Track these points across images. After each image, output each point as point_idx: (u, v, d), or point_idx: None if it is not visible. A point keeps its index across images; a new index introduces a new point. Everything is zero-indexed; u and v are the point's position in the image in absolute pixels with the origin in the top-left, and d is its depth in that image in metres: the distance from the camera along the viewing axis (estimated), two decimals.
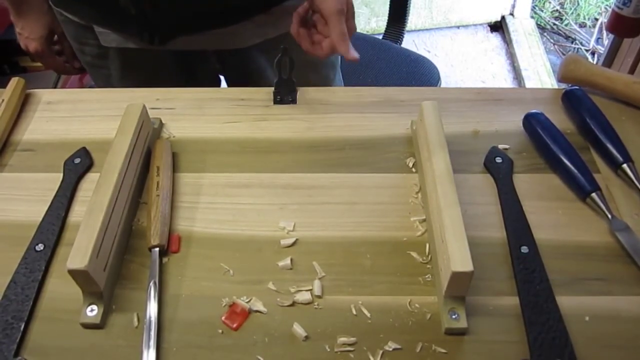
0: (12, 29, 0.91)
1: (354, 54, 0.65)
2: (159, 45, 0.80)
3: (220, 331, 0.51)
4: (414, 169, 0.65)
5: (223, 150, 0.67)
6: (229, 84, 0.98)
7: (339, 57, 0.97)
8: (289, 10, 0.71)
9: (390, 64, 1.36)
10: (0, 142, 0.68)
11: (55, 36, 0.92)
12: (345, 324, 0.51)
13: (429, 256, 0.56)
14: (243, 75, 0.90)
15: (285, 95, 0.73)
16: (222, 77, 0.99)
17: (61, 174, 0.64)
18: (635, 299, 0.52)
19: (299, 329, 0.50)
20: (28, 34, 0.89)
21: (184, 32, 0.80)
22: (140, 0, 0.73)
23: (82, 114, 0.73)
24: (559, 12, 2.56)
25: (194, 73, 0.92)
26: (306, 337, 0.50)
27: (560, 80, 0.74)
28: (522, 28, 2.42)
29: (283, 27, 0.79)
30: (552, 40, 2.47)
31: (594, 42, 2.36)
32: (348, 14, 0.66)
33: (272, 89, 0.73)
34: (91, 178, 0.64)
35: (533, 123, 0.66)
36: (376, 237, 0.58)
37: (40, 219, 0.59)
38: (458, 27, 2.51)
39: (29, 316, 0.51)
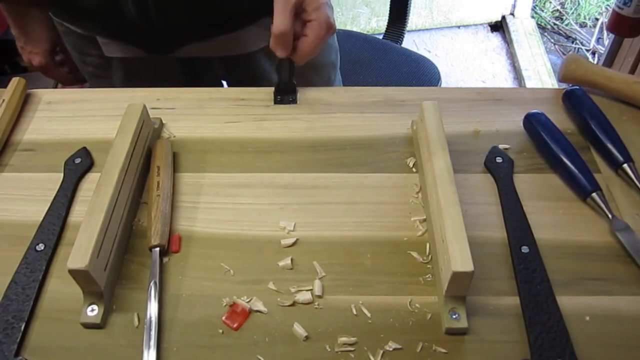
0: None
1: (278, 53, 0.65)
2: (165, 53, 0.80)
3: (220, 331, 0.51)
4: (414, 169, 0.65)
5: (223, 150, 0.67)
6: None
7: (339, 57, 0.97)
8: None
9: (391, 63, 1.36)
10: (1, 142, 0.68)
11: (58, 48, 0.91)
12: (345, 324, 0.51)
13: (430, 256, 0.56)
14: (247, 80, 0.90)
15: (285, 96, 0.73)
16: (224, 83, 0.99)
17: (62, 174, 0.64)
18: (636, 299, 0.52)
19: (299, 329, 0.50)
20: (31, 48, 0.88)
21: (190, 40, 0.80)
22: (147, 12, 0.73)
23: (83, 114, 0.73)
24: (560, 12, 2.56)
25: (198, 80, 0.91)
26: (306, 337, 0.50)
27: (560, 80, 0.74)
28: (523, 28, 2.42)
29: None
30: (552, 40, 2.47)
31: (595, 42, 2.36)
32: (304, 5, 0.64)
33: (273, 88, 0.74)
34: (92, 178, 0.64)
35: (534, 123, 0.66)
36: (376, 237, 0.58)
37: (41, 218, 0.59)
38: (458, 27, 2.51)
39: (29, 316, 0.51)
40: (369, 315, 0.51)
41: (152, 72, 0.86)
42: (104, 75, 0.88)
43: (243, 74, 0.90)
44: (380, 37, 1.46)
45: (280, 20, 0.63)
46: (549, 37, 2.49)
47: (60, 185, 0.63)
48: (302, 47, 0.66)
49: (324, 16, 0.65)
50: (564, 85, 0.75)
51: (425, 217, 0.59)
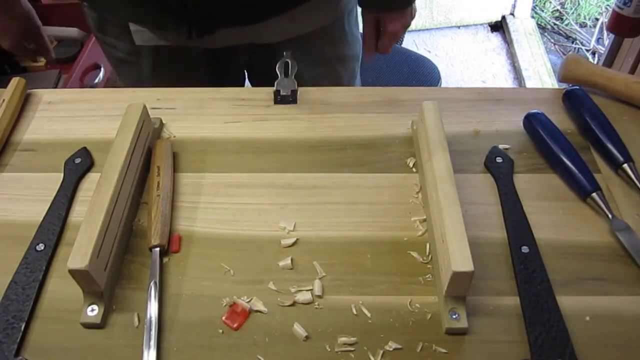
0: None
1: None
2: (196, 38, 0.79)
3: (220, 331, 0.51)
4: (414, 169, 0.65)
5: (224, 150, 0.67)
6: (254, 80, 0.97)
7: (361, 50, 0.97)
8: (322, 7, 0.71)
9: (391, 63, 1.36)
10: (1, 142, 0.68)
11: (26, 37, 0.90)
12: (345, 324, 0.51)
13: (430, 256, 0.56)
14: (270, 72, 0.90)
15: (285, 95, 0.73)
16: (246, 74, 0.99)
17: (62, 174, 0.64)
18: (636, 299, 0.52)
19: (299, 329, 0.50)
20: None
21: (222, 25, 0.79)
22: None
23: (83, 114, 0.73)
24: (560, 12, 2.56)
25: (224, 71, 0.91)
26: (307, 337, 0.50)
27: (560, 80, 0.74)
28: (523, 28, 2.42)
29: (316, 22, 0.81)
30: (552, 40, 2.47)
31: (595, 42, 2.36)
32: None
33: (273, 88, 0.74)
34: (92, 178, 0.64)
35: (534, 123, 0.66)
36: (377, 237, 0.58)
37: (41, 218, 0.59)
38: (459, 27, 2.52)
39: (29, 316, 0.51)
40: (369, 315, 0.51)
41: (179, 61, 0.85)
42: (133, 61, 0.86)
43: (267, 65, 0.89)
44: None
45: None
46: (549, 37, 2.49)
47: (60, 185, 0.63)
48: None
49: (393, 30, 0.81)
50: (564, 85, 0.75)
51: (425, 217, 0.59)
